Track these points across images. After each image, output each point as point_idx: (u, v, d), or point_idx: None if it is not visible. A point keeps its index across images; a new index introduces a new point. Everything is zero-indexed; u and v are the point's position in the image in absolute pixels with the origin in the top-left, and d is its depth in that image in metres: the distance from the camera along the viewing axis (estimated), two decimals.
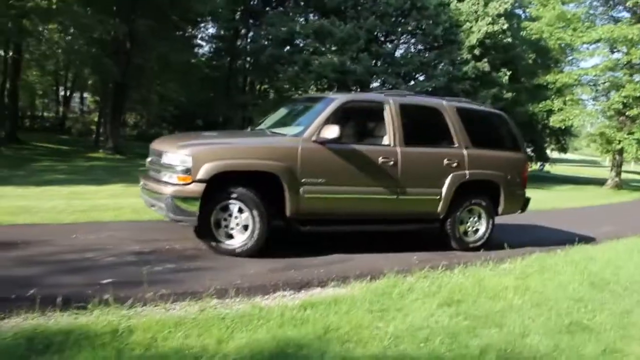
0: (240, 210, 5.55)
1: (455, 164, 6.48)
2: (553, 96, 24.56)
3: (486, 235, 6.89)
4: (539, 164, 34.42)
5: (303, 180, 5.67)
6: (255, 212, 5.49)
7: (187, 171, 5.33)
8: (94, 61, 25.08)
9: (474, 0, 23.53)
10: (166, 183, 5.49)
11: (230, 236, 5.62)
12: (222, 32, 31.92)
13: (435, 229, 6.69)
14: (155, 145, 6.00)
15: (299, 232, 5.90)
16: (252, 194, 5.49)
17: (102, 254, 5.40)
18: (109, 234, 6.30)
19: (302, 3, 27.03)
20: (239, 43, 32.17)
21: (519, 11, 30.79)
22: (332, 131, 5.63)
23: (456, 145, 6.57)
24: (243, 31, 31.98)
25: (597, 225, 10.67)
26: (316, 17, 26.09)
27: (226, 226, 5.60)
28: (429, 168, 6.37)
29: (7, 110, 24.42)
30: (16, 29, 19.99)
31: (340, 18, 23.65)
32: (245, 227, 5.57)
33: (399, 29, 23.94)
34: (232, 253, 5.57)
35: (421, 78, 24.07)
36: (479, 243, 6.86)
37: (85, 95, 41.42)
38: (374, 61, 23.62)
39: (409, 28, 23.51)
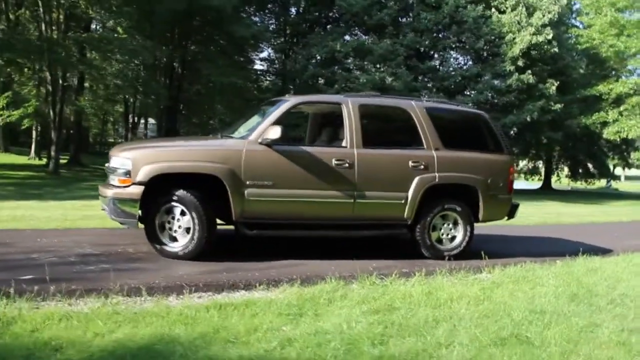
0: (183, 213, 5.46)
1: (422, 167, 6.06)
2: (607, 107, 22.91)
3: (463, 243, 6.36)
4: (604, 180, 32.14)
5: (248, 182, 5.50)
6: (194, 215, 5.38)
7: (127, 174, 5.34)
8: (144, 86, 26.49)
9: (516, 11, 22.60)
10: (110, 186, 5.52)
11: (175, 239, 5.54)
12: (268, 55, 32.70)
13: (404, 235, 6.26)
14: (111, 151, 6.08)
15: (247, 237, 5.72)
16: (191, 196, 5.38)
17: (49, 255, 5.48)
18: (74, 239, 6.41)
19: (342, 25, 27.19)
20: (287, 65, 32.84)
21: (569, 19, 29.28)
22: (274, 132, 5.45)
23: (424, 146, 6.16)
24: (290, 53, 32.70)
25: (623, 239, 9.67)
26: (356, 36, 26.12)
27: (170, 229, 5.53)
28: (391, 171, 5.99)
29: (72, 136, 26.15)
30: (70, 58, 21.42)
31: (380, 36, 23.56)
32: (188, 230, 5.47)
33: (440, 44, 23.40)
34: (175, 256, 5.48)
35: (466, 93, 23.28)
36: (455, 252, 6.34)
37: (151, 120, 43.74)
38: (414, 77, 23.20)
39: (449, 43, 22.90)
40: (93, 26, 28.63)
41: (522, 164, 34.95)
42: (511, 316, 4.44)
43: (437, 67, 23.39)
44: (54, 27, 23.63)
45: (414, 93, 23.17)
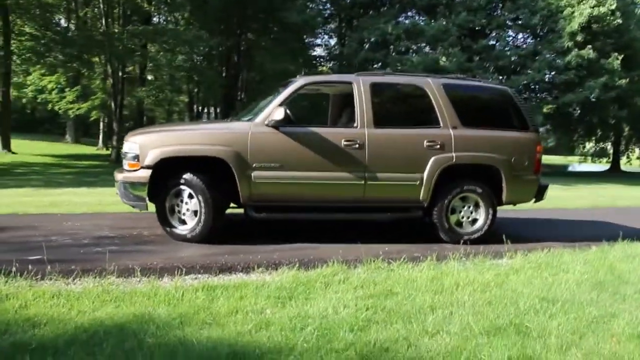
0: (191, 196, 5.50)
1: (438, 146, 5.77)
2: None
3: (485, 227, 6.02)
4: None
5: (254, 165, 5.45)
6: (201, 198, 5.40)
7: (136, 158, 5.44)
8: (200, 75, 27.13)
9: None
10: (121, 170, 5.64)
11: (184, 222, 5.59)
12: (321, 41, 32.53)
13: (421, 218, 6.01)
14: (125, 136, 6.21)
15: (256, 220, 5.68)
16: (198, 179, 5.40)
17: (65, 237, 5.71)
18: (98, 222, 6.64)
19: (394, 7, 26.53)
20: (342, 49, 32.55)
21: None
22: (278, 113, 5.35)
23: (441, 125, 5.85)
24: (345, 38, 32.37)
25: None
26: (406, 18, 25.46)
27: (179, 212, 5.59)
28: (405, 151, 5.73)
29: (134, 126, 27.26)
30: (127, 50, 22.26)
31: (432, 16, 22.81)
32: (195, 213, 5.50)
33: (494, 22, 22.30)
34: (184, 238, 5.54)
35: (522, 72, 22.12)
36: (475, 235, 6.01)
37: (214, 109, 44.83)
38: (468, 57, 22.30)
39: (504, 20, 21.78)
40: (155, 19, 29.64)
41: (589, 146, 33.00)
42: (517, 304, 4.15)
43: (492, 46, 22.30)
44: (115, 22, 24.71)
45: (468, 73, 22.34)
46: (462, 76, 6.58)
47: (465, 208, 6.03)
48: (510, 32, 23.77)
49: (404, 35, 22.87)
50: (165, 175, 5.49)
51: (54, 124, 42.33)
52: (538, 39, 21.91)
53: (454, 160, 5.78)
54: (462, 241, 5.96)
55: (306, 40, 32.35)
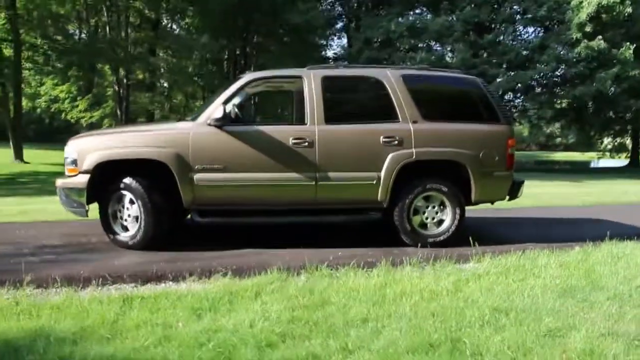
0: (132, 202, 5.21)
1: (396, 142, 5.36)
2: None
3: (452, 228, 5.57)
4: None
5: (197, 167, 5.13)
6: (140, 203, 5.10)
7: (74, 162, 5.19)
8: (205, 79, 27.05)
9: None
10: (62, 176, 5.39)
11: (126, 228, 5.31)
12: (326, 42, 32.18)
13: (379, 220, 5.60)
14: None
15: (199, 224, 5.36)
16: (137, 184, 5.11)
17: (7, 246, 5.49)
18: (53, 230, 6.39)
19: (397, 5, 26.04)
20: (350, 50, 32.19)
21: None
22: (218, 111, 5.03)
23: (399, 119, 5.44)
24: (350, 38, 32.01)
25: None
26: (411, 15, 24.96)
27: (121, 217, 5.30)
28: (358, 148, 5.34)
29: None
30: (128, 57, 22.30)
31: (435, 12, 22.29)
32: (137, 219, 5.21)
33: (499, 16, 21.64)
34: (126, 245, 5.25)
35: (530, 65, 21.37)
36: (441, 237, 5.58)
37: None
38: (474, 53, 21.69)
39: (509, 13, 21.10)
40: (168, 25, 29.75)
41: (607, 141, 31.94)
42: (464, 316, 3.72)
43: (498, 40, 21.62)
44: (123, 29, 24.82)
45: (472, 70, 21.73)
46: (426, 67, 6.14)
47: (430, 208, 5.59)
48: (516, 26, 23.00)
49: (407, 33, 22.38)
50: (109, 180, 5.22)
51: (70, 133, 42.86)
52: (545, 31, 21.12)
53: (414, 156, 5.36)
54: (427, 244, 5.52)
55: (314, 42, 32.05)
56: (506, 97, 23.48)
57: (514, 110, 26.56)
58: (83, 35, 29.46)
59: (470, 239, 5.48)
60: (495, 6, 21.67)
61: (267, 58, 27.98)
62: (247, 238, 5.93)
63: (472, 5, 20.99)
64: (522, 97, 24.87)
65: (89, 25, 29.07)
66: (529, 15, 21.14)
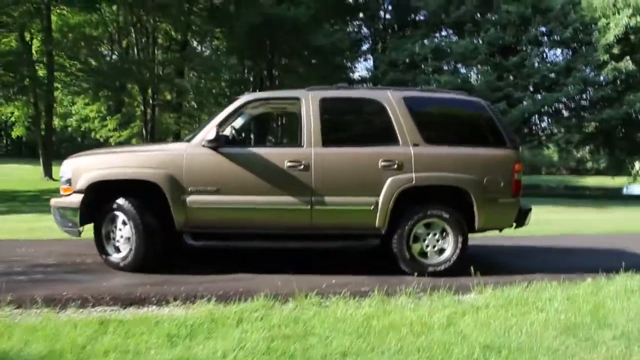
0: (124, 223, 5.15)
1: (395, 166, 5.19)
2: None
3: (453, 257, 5.33)
4: None
5: (190, 189, 5.05)
6: (131, 224, 5.04)
7: (68, 182, 5.19)
8: (229, 100, 27.26)
9: None
10: (58, 195, 5.39)
11: (118, 249, 5.24)
12: (350, 64, 32.28)
13: (377, 247, 5.40)
14: None
15: (192, 247, 5.26)
16: (129, 204, 5.05)
17: (2, 265, 5.46)
18: (51, 249, 6.38)
19: (425, 26, 26.01)
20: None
21: None
22: (211, 133, 4.96)
23: (399, 142, 5.27)
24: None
25: None
26: (435, 38, 24.85)
27: (114, 238, 5.24)
28: (356, 172, 5.17)
29: None
30: (154, 77, 22.75)
31: (459, 34, 22.12)
32: (129, 240, 5.14)
33: (524, 38, 21.31)
34: (117, 267, 5.19)
35: (556, 88, 20.91)
36: (442, 267, 5.33)
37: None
38: (498, 75, 21.37)
39: (534, 35, 20.76)
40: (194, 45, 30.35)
41: (638, 165, 30.87)
42: (451, 353, 3.49)
43: (523, 62, 21.24)
44: (153, 50, 25.38)
45: (498, 93, 21.42)
46: (430, 88, 5.97)
47: (431, 236, 5.37)
48: (542, 48, 22.61)
49: (431, 55, 22.25)
50: (104, 200, 5.18)
51: None
52: (572, 53, 20.69)
53: (413, 181, 5.17)
54: (427, 273, 5.29)
55: (340, 63, 32.20)
56: (532, 120, 23.06)
57: (541, 134, 26.03)
58: (115, 57, 30.30)
59: (472, 268, 5.22)
60: (521, 27, 21.33)
61: (293, 79, 28.18)
62: (242, 262, 5.81)
63: (497, 27, 20.73)
64: (549, 120, 24.33)
65: (120, 46, 29.90)
66: (555, 37, 20.75)
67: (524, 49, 21.29)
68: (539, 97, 20.44)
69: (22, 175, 26.74)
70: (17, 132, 31.74)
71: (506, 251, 7.34)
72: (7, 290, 4.32)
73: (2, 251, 6.18)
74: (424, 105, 5.52)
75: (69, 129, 42.69)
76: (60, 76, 24.26)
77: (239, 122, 5.88)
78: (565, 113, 24.12)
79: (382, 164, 5.17)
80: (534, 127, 25.10)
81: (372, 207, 5.16)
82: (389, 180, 5.14)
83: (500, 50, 22.08)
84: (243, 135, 6.04)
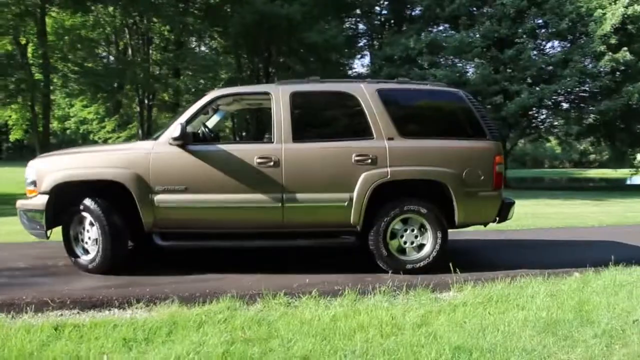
0: (92, 224, 4.99)
1: (369, 161, 5.01)
2: None
3: (433, 253, 5.14)
4: None
5: (157, 188, 4.89)
6: (98, 225, 4.89)
7: (33, 183, 5.04)
8: None
9: None
10: (23, 197, 5.25)
11: (87, 251, 5.09)
12: (346, 60, 32.05)
13: (353, 244, 5.23)
14: None
15: (161, 248, 5.10)
16: (95, 205, 4.90)
17: None
18: (25, 253, 6.21)
19: (421, 20, 25.77)
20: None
21: None
22: (175, 130, 4.80)
23: (374, 136, 5.09)
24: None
25: None
26: (430, 32, 24.60)
27: (82, 240, 5.09)
28: (328, 168, 4.99)
29: None
30: (147, 78, 22.64)
31: (454, 28, 21.88)
32: (97, 242, 4.99)
33: (519, 30, 21.01)
34: (86, 269, 5.04)
35: (552, 80, 20.61)
36: (421, 263, 5.15)
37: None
38: (494, 69, 21.11)
39: (530, 27, 20.46)
40: (195, 45, 30.18)
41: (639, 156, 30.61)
42: (419, 355, 3.32)
43: (519, 55, 20.95)
44: (146, 50, 25.28)
45: (494, 86, 21.15)
46: (405, 80, 5.77)
47: (409, 232, 5.19)
48: (539, 40, 22.32)
49: (426, 49, 22.00)
50: (72, 202, 5.03)
51: None
52: (570, 44, 20.41)
53: (388, 176, 4.99)
54: (405, 270, 5.12)
55: (336, 60, 32.01)
56: (530, 113, 22.80)
57: (541, 127, 25.76)
58: (112, 58, 30.24)
59: (451, 265, 5.03)
60: (517, 20, 21.04)
61: (289, 77, 27.99)
62: (213, 262, 5.66)
63: (492, 20, 20.45)
64: (548, 113, 24.04)
65: (117, 48, 29.86)
66: (550, 29, 20.46)
67: (520, 41, 20.99)
68: (536, 90, 20.13)
69: (20, 178, 26.62)
70: (15, 135, 31.74)
71: (492, 246, 7.17)
72: None
73: None
74: (399, 98, 5.34)
75: (68, 131, 42.81)
76: (55, 78, 24.19)
77: (208, 119, 5.71)
78: (565, 105, 23.89)
79: (356, 158, 4.99)
80: (533, 120, 24.83)
81: (346, 203, 4.98)
82: (363, 175, 4.97)
83: (496, 43, 21.81)
84: (213, 132, 5.85)
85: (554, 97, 21.16)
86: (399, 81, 5.57)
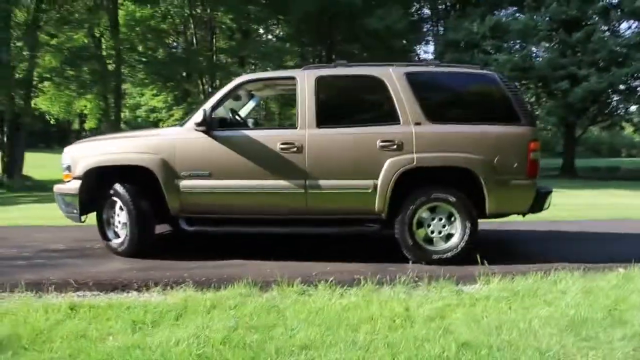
0: (122, 208, 5.16)
1: (395, 146, 4.83)
2: None
3: (461, 243, 4.90)
4: None
5: (182, 173, 4.98)
6: (126, 209, 5.05)
7: (69, 169, 5.28)
8: None
9: None
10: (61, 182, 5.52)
11: (117, 235, 5.28)
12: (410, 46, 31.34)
13: (378, 232, 5.08)
14: None
15: (185, 233, 5.19)
16: (124, 190, 5.06)
17: (12, 249, 5.68)
18: (67, 235, 6.55)
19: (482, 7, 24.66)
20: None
21: None
22: (198, 115, 4.84)
23: (400, 121, 4.91)
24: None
25: None
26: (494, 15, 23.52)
27: (113, 224, 5.29)
28: (352, 153, 4.86)
29: None
30: (209, 65, 23.21)
31: (519, 10, 20.81)
32: (126, 225, 5.16)
33: (589, 11, 19.62)
34: (116, 252, 5.23)
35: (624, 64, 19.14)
36: (449, 254, 4.92)
37: None
38: (561, 52, 19.88)
39: (601, 7, 19.04)
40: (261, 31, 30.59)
41: None
42: (422, 350, 3.16)
43: (589, 38, 19.58)
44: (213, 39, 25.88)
45: (561, 71, 19.95)
46: (436, 62, 5.50)
47: (436, 221, 4.98)
48: (611, 21, 20.73)
49: (489, 34, 21.08)
50: (105, 186, 5.23)
51: None
52: None
53: (414, 162, 4.80)
54: (432, 261, 4.93)
55: (400, 46, 31.37)
56: (601, 99, 21.31)
57: (615, 114, 24.09)
58: (180, 48, 31.21)
59: (478, 256, 4.78)
60: (583, 1, 19.65)
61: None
62: (237, 248, 5.69)
63: (559, 0, 19.22)
64: (621, 98, 22.40)
65: (185, 38, 30.78)
66: (625, 9, 18.95)
67: (590, 23, 19.56)
68: (607, 74, 18.78)
69: None
70: (89, 124, 33.64)
71: (533, 237, 6.79)
72: (5, 274, 4.45)
73: (20, 237, 6.42)
74: (428, 81, 5.12)
75: (139, 119, 44.78)
76: (124, 68, 25.33)
77: (241, 105, 5.73)
78: None
79: (381, 144, 4.83)
80: (605, 107, 23.23)
81: (371, 190, 4.85)
82: (388, 161, 4.81)
83: (564, 25, 20.49)
84: (242, 118, 5.86)
85: (628, 82, 19.68)
86: (428, 64, 5.34)
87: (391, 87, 4.95)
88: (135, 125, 47.04)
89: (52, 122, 32.75)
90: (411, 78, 4.98)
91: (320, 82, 5.02)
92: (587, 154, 44.22)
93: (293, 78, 5.15)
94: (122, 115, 33.00)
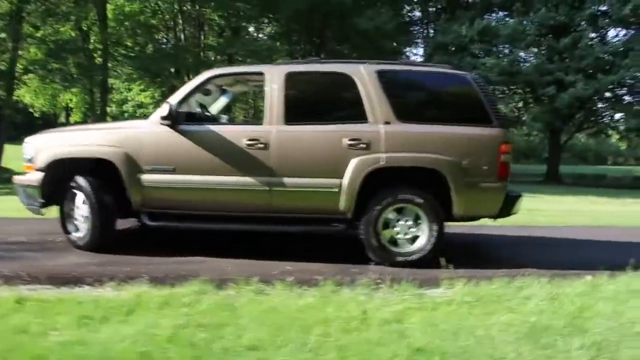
0: (84, 202, 5.04)
1: (362, 145, 4.76)
2: None
3: (427, 246, 4.84)
4: None
5: (146, 167, 4.87)
6: (88, 202, 4.93)
7: (30, 160, 5.14)
8: None
9: None
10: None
11: (79, 228, 5.15)
12: (400, 47, 31.36)
13: (343, 232, 5.00)
14: None
15: (150, 228, 5.08)
16: (86, 183, 4.94)
17: None
18: (34, 228, 6.36)
19: (471, 10, 24.73)
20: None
21: None
22: (163, 110, 4.74)
23: (369, 120, 4.83)
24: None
25: None
26: (483, 19, 23.59)
27: (74, 217, 5.16)
28: (318, 151, 4.78)
29: None
30: (196, 62, 23.05)
31: (508, 15, 20.88)
32: (87, 219, 5.03)
33: (577, 17, 19.73)
34: (77, 246, 5.11)
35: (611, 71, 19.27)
36: (414, 257, 4.85)
37: None
38: (548, 58, 19.97)
39: (588, 14, 19.17)
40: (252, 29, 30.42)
41: None
42: (372, 355, 3.08)
43: (576, 44, 19.69)
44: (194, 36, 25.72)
45: (548, 77, 20.04)
46: (409, 61, 5.44)
47: (402, 222, 4.91)
48: (598, 28, 20.88)
49: (477, 37, 21.13)
50: (68, 179, 5.10)
51: None
52: (630, 32, 18.97)
53: (382, 162, 4.72)
54: (396, 263, 4.86)
55: (389, 47, 31.39)
56: (587, 105, 21.43)
57: (600, 121, 24.23)
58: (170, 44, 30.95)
59: (444, 260, 4.72)
60: (575, 6, 19.75)
61: None
62: (201, 244, 5.59)
63: (548, 6, 19.29)
64: (607, 105, 22.53)
65: (175, 34, 30.54)
66: (611, 16, 19.08)
67: (578, 29, 19.68)
68: (592, 81, 18.88)
69: None
70: (75, 117, 33.30)
71: (503, 242, 6.75)
72: None
73: None
74: (399, 80, 5.06)
75: (126, 114, 44.43)
76: (111, 63, 25.08)
77: (205, 99, 5.63)
78: (628, 98, 22.30)
79: (347, 142, 4.75)
80: (591, 113, 23.36)
81: (336, 189, 4.77)
82: (355, 160, 4.73)
83: (552, 30, 20.59)
84: (209, 112, 5.77)
85: (615, 89, 19.82)
86: (400, 62, 5.28)
87: (361, 84, 4.87)
88: (122, 120, 46.77)
89: (36, 114, 32.36)
90: (382, 76, 4.90)
91: (289, 78, 4.93)
92: (573, 160, 44.48)
93: (261, 73, 5.06)
94: (109, 109, 32.74)
